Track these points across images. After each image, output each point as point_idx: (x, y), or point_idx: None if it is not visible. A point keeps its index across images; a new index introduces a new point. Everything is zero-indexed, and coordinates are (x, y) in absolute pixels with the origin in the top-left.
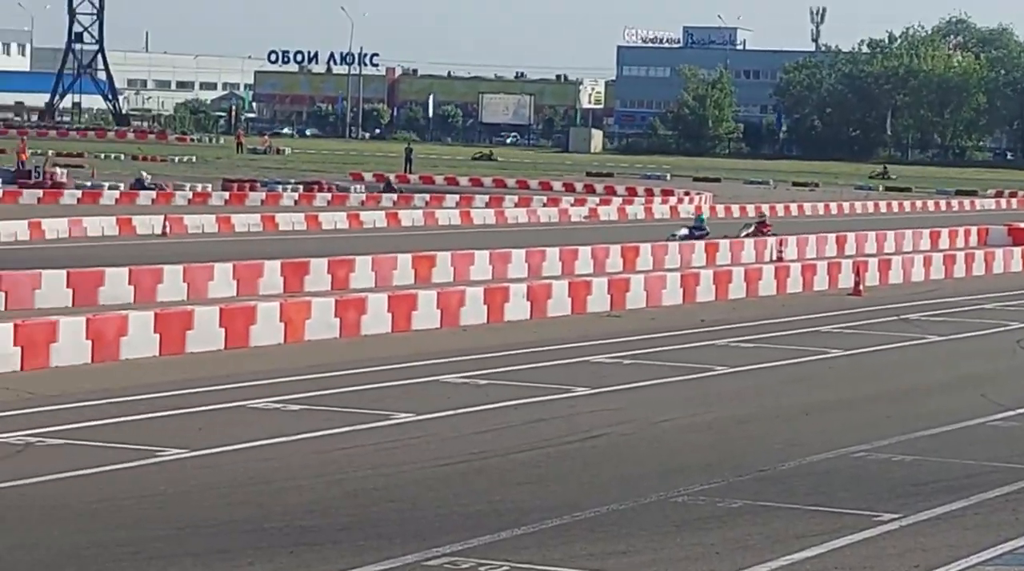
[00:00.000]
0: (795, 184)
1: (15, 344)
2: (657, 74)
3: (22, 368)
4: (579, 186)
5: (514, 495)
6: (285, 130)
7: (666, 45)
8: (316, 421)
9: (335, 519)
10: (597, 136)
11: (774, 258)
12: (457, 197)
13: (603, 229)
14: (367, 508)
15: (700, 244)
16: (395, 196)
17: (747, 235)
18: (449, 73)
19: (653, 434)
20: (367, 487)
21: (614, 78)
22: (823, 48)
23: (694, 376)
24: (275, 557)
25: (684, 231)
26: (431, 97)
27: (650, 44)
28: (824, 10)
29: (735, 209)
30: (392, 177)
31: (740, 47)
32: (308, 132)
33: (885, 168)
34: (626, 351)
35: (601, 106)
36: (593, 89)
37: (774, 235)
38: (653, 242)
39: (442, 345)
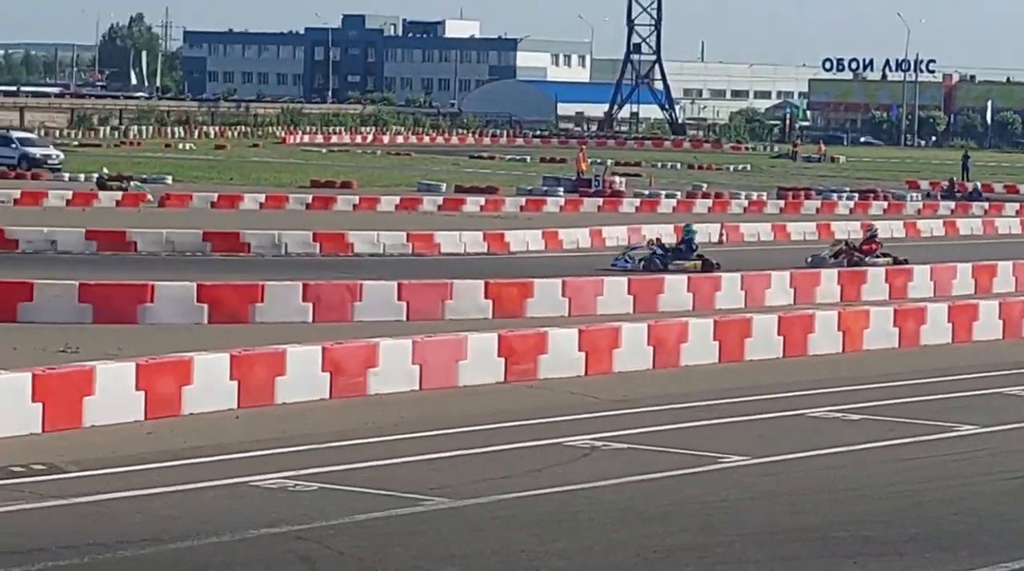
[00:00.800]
0: None
1: (579, 349)
2: None
3: (586, 372)
4: None
5: None
6: (840, 138)
7: None
8: (878, 431)
9: (901, 530)
10: None
11: None
12: (1017, 205)
13: None
14: (933, 520)
15: None
16: (952, 204)
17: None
18: (1008, 78)
19: None
20: (933, 499)
21: None
22: None
23: None
24: (839, 566)
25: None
26: (989, 103)
27: None
28: None
29: None
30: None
31: None
32: (862, 139)
33: None
34: None
35: None
36: None
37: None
38: None
39: (1004, 357)
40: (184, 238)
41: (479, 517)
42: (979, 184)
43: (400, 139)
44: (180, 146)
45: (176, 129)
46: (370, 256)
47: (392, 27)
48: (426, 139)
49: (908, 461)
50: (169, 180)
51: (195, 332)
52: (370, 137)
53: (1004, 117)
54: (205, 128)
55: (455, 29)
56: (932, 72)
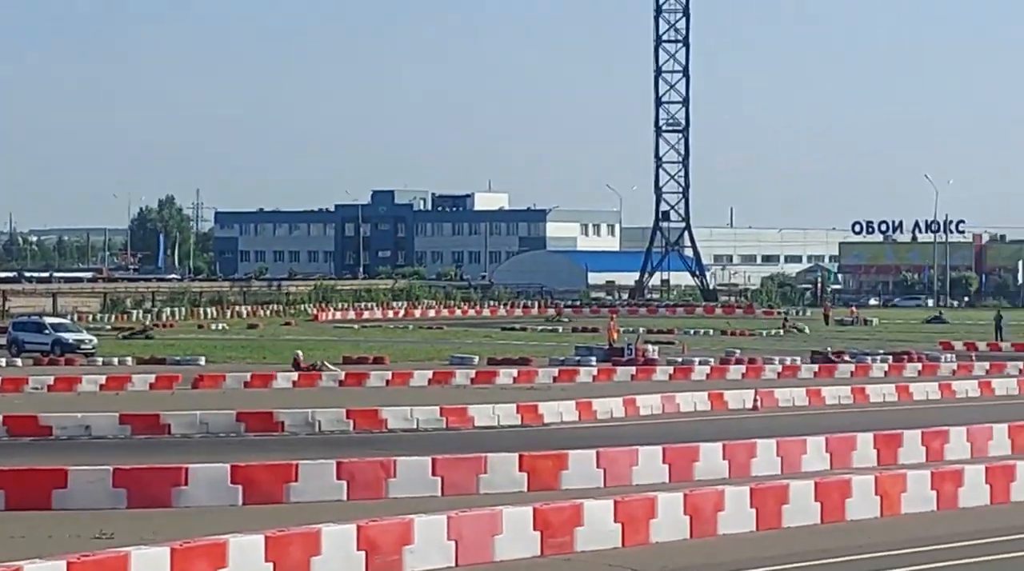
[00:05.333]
0: None
1: (615, 520)
2: None
3: (623, 544)
4: None
5: None
6: (871, 300)
7: None
8: None
9: None
10: None
11: None
12: None
13: None
14: None
15: None
16: (987, 364)
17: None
18: None
19: None
20: None
21: None
22: None
23: None
24: None
25: None
26: (1020, 262)
27: None
28: None
29: None
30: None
31: None
32: (895, 301)
33: None
34: None
35: None
36: None
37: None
38: None
39: None
40: (218, 419)
41: None
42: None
43: (432, 313)
44: (213, 326)
45: (208, 309)
46: (404, 431)
47: (421, 201)
48: (458, 312)
49: None
50: (202, 361)
51: (230, 514)
52: (402, 312)
53: None
54: (237, 308)
55: (484, 202)
56: (962, 232)
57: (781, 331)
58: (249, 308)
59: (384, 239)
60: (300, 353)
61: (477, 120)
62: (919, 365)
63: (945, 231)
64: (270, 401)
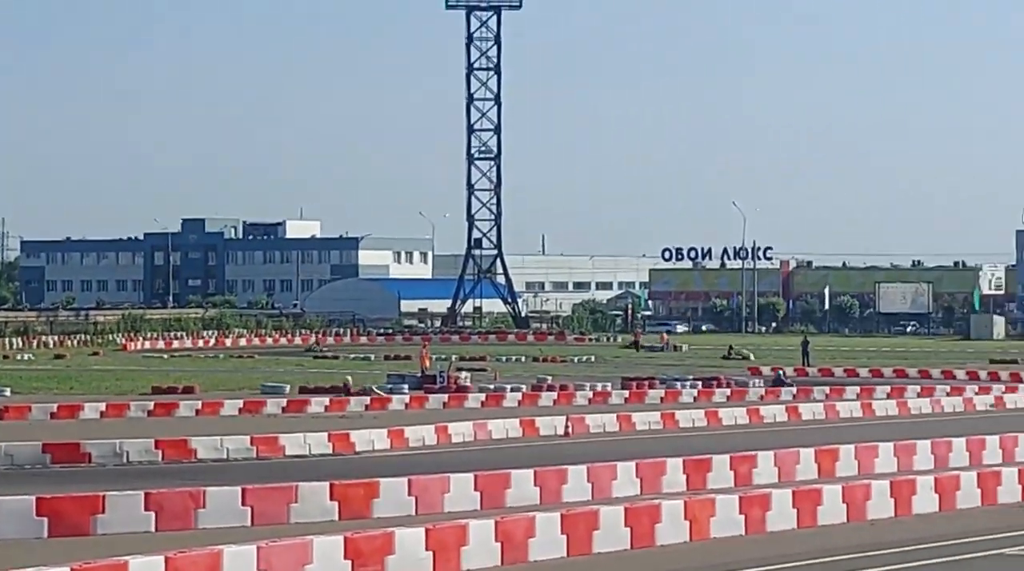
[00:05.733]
0: None
1: (427, 548)
2: None
3: None
4: (983, 374)
5: None
6: (681, 326)
7: None
8: None
9: None
10: (999, 322)
11: None
12: (857, 389)
13: (1010, 417)
14: None
15: None
16: (794, 389)
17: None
18: (844, 263)
19: None
20: None
21: (1015, 263)
22: None
23: None
24: None
25: None
26: (827, 288)
27: None
28: None
29: None
30: (787, 370)
31: None
32: (704, 328)
33: None
34: None
35: (1002, 292)
36: (993, 274)
37: None
38: None
39: (850, 540)
40: (23, 451)
41: None
42: (783, 371)
43: (243, 342)
44: (18, 357)
45: (14, 340)
46: (214, 461)
47: (232, 229)
48: (269, 340)
49: None
50: (8, 392)
51: (36, 547)
52: (212, 341)
53: (841, 301)
54: (44, 338)
55: (296, 229)
56: (770, 259)
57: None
58: (56, 338)
59: (194, 268)
60: (350, 379)
61: (288, 147)
62: (728, 390)
63: (753, 258)
64: (77, 432)
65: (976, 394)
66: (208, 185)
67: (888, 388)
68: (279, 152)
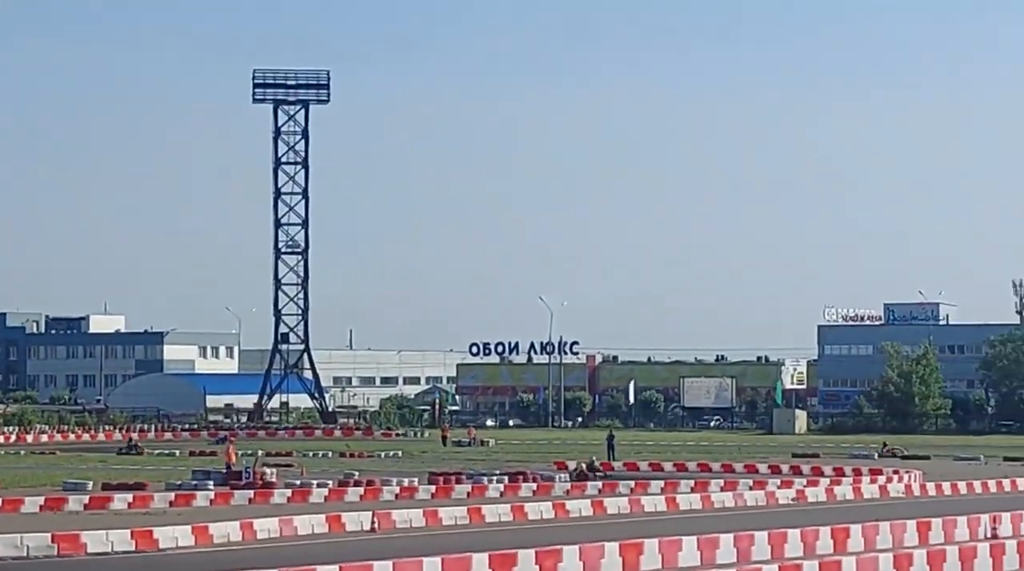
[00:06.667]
0: (1007, 459)
1: None
2: (860, 352)
3: None
4: (785, 468)
5: None
6: (488, 421)
7: (867, 323)
8: None
9: None
10: (801, 417)
11: (989, 535)
12: (662, 483)
13: (812, 511)
14: None
15: (911, 523)
16: (600, 484)
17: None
18: (649, 358)
19: None
20: None
21: (816, 357)
22: None
23: None
24: None
25: None
26: (632, 383)
27: (851, 322)
28: None
29: (946, 486)
30: (593, 461)
31: (943, 322)
32: (511, 422)
33: None
34: None
35: (804, 386)
36: (795, 369)
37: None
38: (864, 522)
39: None
40: None
41: None
42: (593, 460)
43: (44, 438)
44: None
45: None
46: (14, 559)
47: (34, 324)
48: (72, 436)
49: None
50: None
51: None
52: (13, 437)
53: (647, 396)
54: None
55: (99, 324)
56: (576, 354)
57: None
58: None
59: None
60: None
61: (93, 241)
62: (534, 485)
63: (560, 352)
64: None
65: (778, 488)
66: (9, 279)
67: (692, 482)
68: (82, 246)
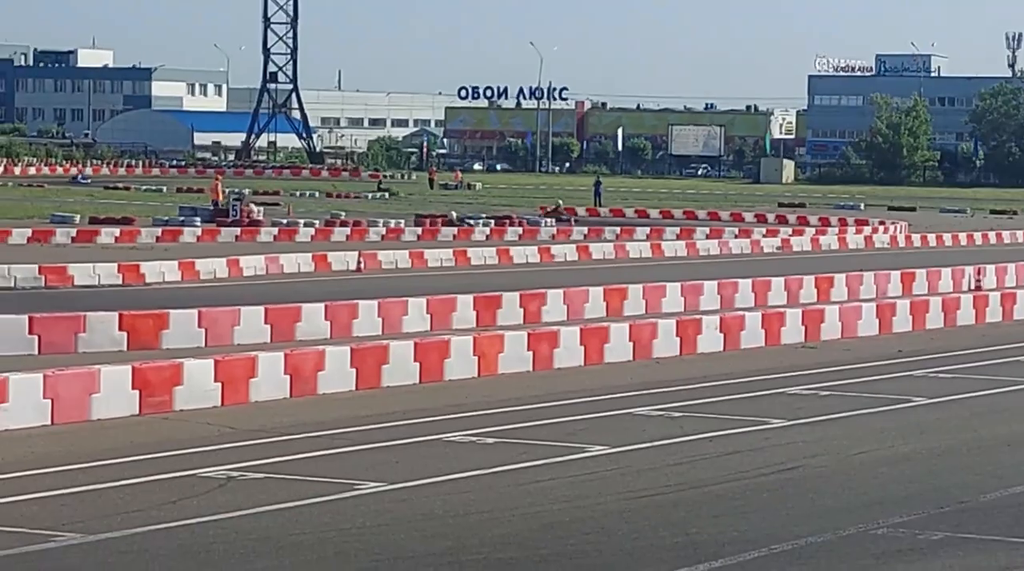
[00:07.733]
0: (993, 212)
1: (216, 380)
2: (849, 103)
3: (222, 403)
4: (771, 217)
5: (711, 527)
6: (475, 165)
7: (858, 74)
8: (512, 454)
9: (532, 551)
10: (789, 166)
11: (972, 287)
12: (647, 229)
13: (796, 260)
14: (564, 540)
15: (896, 274)
16: (585, 230)
17: None
18: (638, 106)
19: (850, 466)
20: (564, 519)
21: (805, 107)
22: (1019, 74)
23: (892, 407)
24: None
25: None
26: (620, 130)
27: (842, 73)
28: (1020, 35)
29: (931, 238)
30: (559, 205)
31: (934, 74)
32: (498, 167)
33: None
34: (822, 382)
35: (792, 136)
36: (784, 119)
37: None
38: (848, 272)
39: (635, 377)
40: None
41: (110, 551)
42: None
43: (32, 170)
44: None
45: None
46: (1, 289)
47: (23, 56)
48: (59, 170)
49: (540, 483)
50: None
51: None
52: (1, 169)
53: (635, 143)
54: None
55: (88, 58)
56: (565, 100)
57: (376, 194)
58: None
59: None
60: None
61: None
62: (520, 229)
63: (548, 98)
64: None
65: (764, 236)
66: None
67: (678, 229)
68: None
